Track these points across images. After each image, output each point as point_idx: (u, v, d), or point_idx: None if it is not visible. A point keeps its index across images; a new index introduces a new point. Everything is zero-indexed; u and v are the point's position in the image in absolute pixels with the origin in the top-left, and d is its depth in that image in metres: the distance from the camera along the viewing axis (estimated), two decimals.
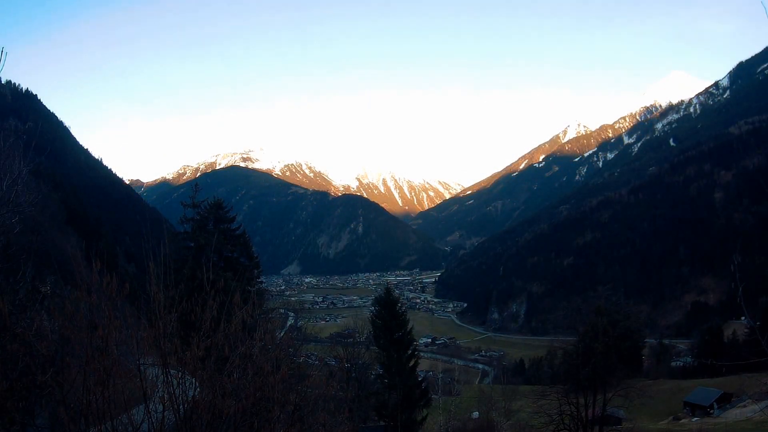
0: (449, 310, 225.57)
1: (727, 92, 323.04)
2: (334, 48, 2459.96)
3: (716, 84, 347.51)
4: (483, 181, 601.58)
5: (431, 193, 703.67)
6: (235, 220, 26.27)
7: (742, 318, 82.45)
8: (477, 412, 45.44)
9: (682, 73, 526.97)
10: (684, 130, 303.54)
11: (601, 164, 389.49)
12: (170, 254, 5.91)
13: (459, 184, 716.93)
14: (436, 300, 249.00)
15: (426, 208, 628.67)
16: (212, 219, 24.45)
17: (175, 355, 5.35)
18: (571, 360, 27.31)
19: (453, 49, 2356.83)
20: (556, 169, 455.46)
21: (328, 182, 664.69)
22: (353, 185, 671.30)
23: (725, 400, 47.02)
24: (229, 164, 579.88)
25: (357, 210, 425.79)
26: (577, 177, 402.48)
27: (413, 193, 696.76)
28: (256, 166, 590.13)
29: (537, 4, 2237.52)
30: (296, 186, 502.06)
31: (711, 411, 45.27)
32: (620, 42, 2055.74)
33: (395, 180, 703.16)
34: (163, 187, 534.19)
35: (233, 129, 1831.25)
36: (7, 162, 8.61)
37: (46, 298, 8.06)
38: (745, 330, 62.75)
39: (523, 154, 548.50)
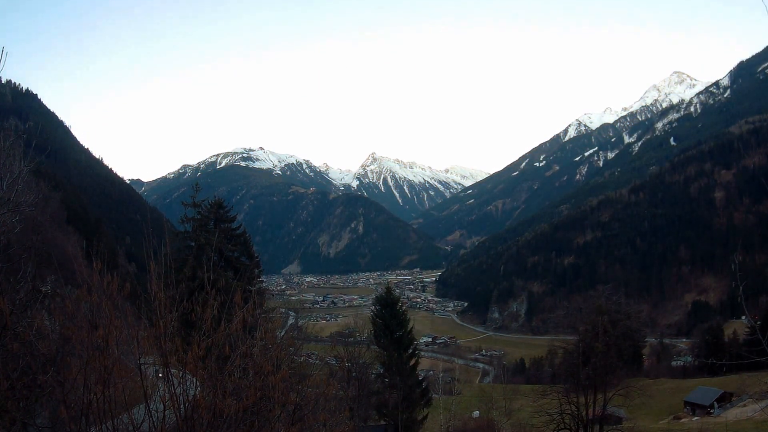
0: (450, 309, 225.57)
1: (728, 92, 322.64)
2: (335, 47, 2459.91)
3: (717, 83, 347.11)
4: (483, 180, 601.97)
5: (432, 193, 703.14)
6: (236, 220, 26.27)
7: (743, 317, 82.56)
8: (477, 412, 45.45)
9: (682, 72, 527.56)
10: (684, 129, 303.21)
11: (601, 163, 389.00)
12: (171, 254, 5.90)
13: (459, 184, 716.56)
14: (436, 299, 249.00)
15: (426, 207, 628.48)
16: (213, 218, 24.45)
17: (176, 355, 5.34)
18: (572, 359, 27.27)
19: (454, 48, 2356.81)
20: (557, 168, 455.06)
21: (329, 182, 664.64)
22: (354, 184, 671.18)
23: (726, 400, 47.02)
24: (230, 164, 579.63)
25: (357, 209, 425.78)
26: (578, 176, 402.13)
27: (413, 193, 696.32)
28: (257, 165, 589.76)
29: (537, 4, 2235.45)
30: (297, 185, 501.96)
31: (711, 410, 45.24)
32: (621, 41, 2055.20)
33: (396, 179, 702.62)
34: (163, 186, 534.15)
35: (233, 129, 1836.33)
36: (7, 161, 8.61)
37: (47, 298, 8.05)
38: (746, 329, 62.64)
39: (523, 153, 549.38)
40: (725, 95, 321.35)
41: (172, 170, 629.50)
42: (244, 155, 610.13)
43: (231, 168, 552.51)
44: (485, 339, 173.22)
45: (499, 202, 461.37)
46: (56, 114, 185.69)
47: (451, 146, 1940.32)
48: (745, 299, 8.72)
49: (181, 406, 5.23)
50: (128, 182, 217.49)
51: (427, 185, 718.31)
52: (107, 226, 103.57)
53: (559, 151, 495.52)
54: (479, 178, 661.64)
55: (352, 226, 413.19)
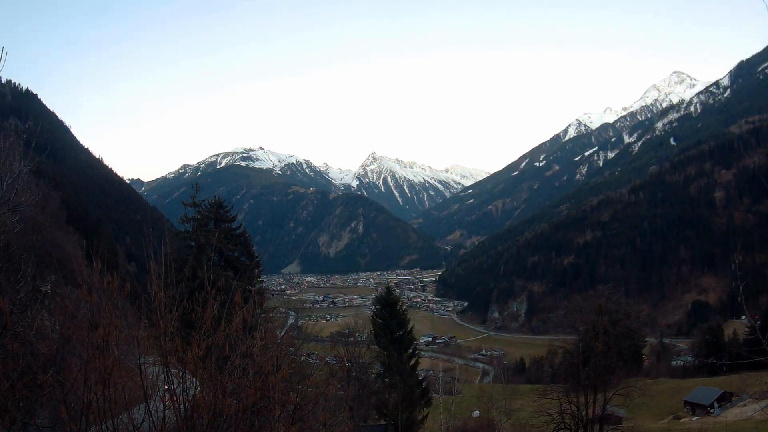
0: (450, 309, 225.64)
1: (728, 91, 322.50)
2: (335, 47, 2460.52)
3: (717, 83, 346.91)
4: (483, 180, 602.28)
5: (432, 192, 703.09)
6: (236, 220, 26.29)
7: (743, 317, 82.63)
8: (477, 411, 45.45)
9: (682, 72, 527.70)
10: (684, 129, 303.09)
11: (601, 163, 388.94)
12: (171, 253, 5.91)
13: (459, 184, 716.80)
14: (436, 299, 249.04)
15: (426, 207, 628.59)
16: (213, 218, 24.46)
17: (176, 355, 5.34)
18: (572, 359, 27.29)
19: (454, 48, 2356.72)
20: (557, 168, 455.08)
21: (329, 181, 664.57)
22: (354, 184, 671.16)
23: (725, 399, 47.05)
24: (230, 163, 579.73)
25: (357, 209, 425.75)
26: (578, 176, 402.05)
27: (413, 193, 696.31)
28: (257, 165, 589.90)
29: (537, 4, 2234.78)
30: (297, 185, 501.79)
31: (711, 410, 45.26)
32: (621, 41, 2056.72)
33: (396, 179, 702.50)
34: (163, 186, 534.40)
35: (233, 129, 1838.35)
36: (7, 161, 8.61)
37: (47, 298, 8.06)
38: (746, 329, 62.80)
39: (523, 153, 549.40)
40: (725, 95, 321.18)
41: (172, 170, 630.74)
42: (244, 155, 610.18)
43: (231, 168, 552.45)
44: (485, 339, 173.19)
45: (499, 201, 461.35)
46: (56, 114, 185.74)
47: (451, 146, 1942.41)
48: (745, 299, 8.73)
49: (181, 406, 5.23)
50: (128, 182, 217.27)
51: (427, 185, 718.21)
52: (107, 226, 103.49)
53: (559, 150, 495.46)
54: (479, 178, 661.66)
55: (352, 225, 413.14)
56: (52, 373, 5.18)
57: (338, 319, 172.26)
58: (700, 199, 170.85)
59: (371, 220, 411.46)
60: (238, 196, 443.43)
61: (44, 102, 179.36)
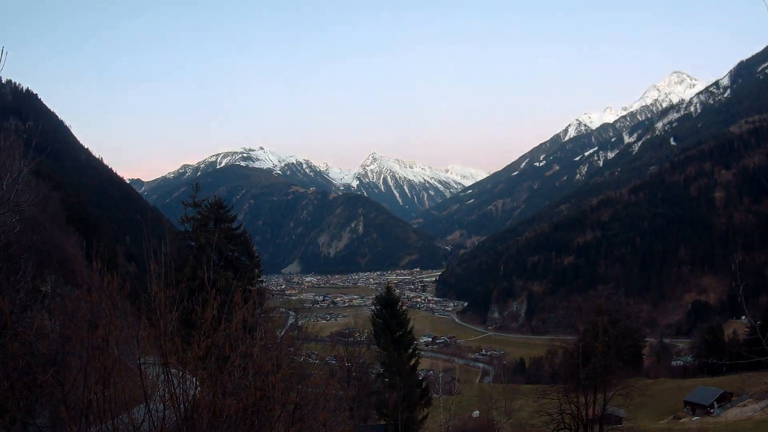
0: (450, 309, 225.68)
1: (728, 91, 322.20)
2: (335, 47, 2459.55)
3: (717, 83, 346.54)
4: (483, 180, 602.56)
5: (432, 192, 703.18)
6: (236, 220, 26.22)
7: (743, 317, 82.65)
8: (477, 411, 45.43)
9: (682, 72, 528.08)
10: (684, 129, 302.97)
11: (601, 163, 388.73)
12: (171, 253, 5.90)
13: (459, 184, 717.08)
14: (436, 299, 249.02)
15: (426, 207, 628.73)
16: (213, 218, 24.41)
17: (176, 355, 5.34)
18: (572, 359, 27.30)
19: (455, 47, 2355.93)
20: (557, 168, 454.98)
21: (329, 181, 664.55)
22: (354, 184, 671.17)
23: (725, 399, 47.07)
24: (230, 163, 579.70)
25: (357, 209, 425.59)
26: (578, 176, 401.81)
27: (413, 193, 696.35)
28: (257, 165, 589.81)
29: (537, 4, 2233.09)
30: (297, 185, 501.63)
31: (711, 410, 45.27)
32: (621, 41, 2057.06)
33: (396, 179, 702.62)
34: (163, 186, 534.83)
35: (233, 129, 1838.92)
36: (7, 161, 8.60)
37: (47, 298, 8.06)
38: (746, 329, 62.77)
39: (523, 153, 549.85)
40: (725, 95, 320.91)
41: (172, 170, 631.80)
42: (244, 155, 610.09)
43: (231, 168, 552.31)
44: (485, 339, 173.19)
45: (499, 201, 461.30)
46: (56, 114, 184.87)
47: (451, 146, 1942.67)
48: (745, 299, 8.74)
49: (181, 405, 5.23)
50: (128, 182, 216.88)
51: (427, 185, 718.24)
52: (107, 226, 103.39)
53: (559, 150, 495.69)
54: (479, 178, 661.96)
55: (352, 225, 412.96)
56: (52, 373, 5.17)
57: (338, 319, 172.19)
58: (700, 199, 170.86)
59: (371, 220, 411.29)
60: (238, 196, 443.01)
61: (44, 102, 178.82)
